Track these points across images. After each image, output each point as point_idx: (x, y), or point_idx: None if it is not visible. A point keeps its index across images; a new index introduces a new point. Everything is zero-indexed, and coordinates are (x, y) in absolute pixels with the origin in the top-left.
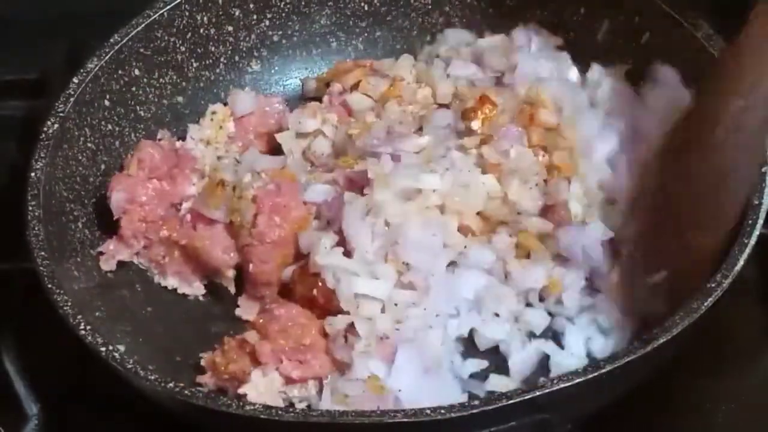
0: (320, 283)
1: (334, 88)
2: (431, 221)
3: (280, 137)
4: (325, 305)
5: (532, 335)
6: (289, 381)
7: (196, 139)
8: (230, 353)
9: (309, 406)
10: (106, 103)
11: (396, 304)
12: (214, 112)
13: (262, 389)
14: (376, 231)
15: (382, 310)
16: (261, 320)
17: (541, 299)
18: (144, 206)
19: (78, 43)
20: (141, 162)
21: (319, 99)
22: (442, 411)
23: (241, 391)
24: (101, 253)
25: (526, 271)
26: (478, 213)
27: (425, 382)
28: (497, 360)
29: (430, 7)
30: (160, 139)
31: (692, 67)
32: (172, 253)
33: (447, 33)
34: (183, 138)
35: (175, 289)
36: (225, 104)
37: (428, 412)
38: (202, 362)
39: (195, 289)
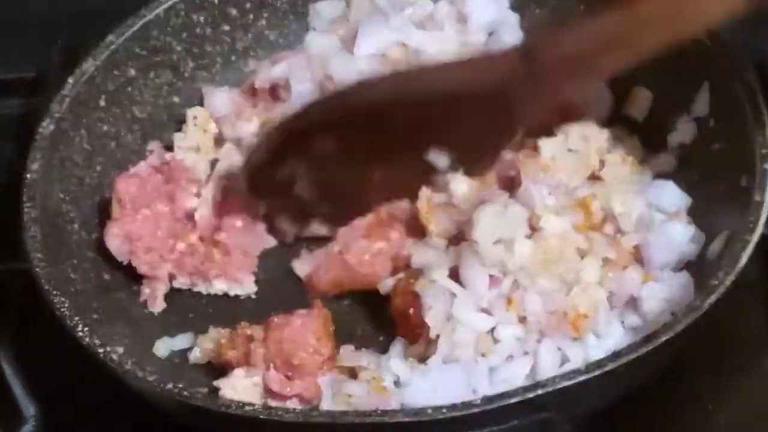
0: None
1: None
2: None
3: (221, 156)
4: (415, 327)
5: None
6: (269, 393)
7: (183, 147)
8: (237, 339)
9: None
10: (102, 103)
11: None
12: (195, 117)
13: (239, 389)
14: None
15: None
16: (273, 320)
17: None
18: (143, 238)
19: (75, 42)
20: (120, 201)
21: None
22: (444, 410)
23: (216, 383)
24: (145, 300)
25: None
26: None
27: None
28: None
29: None
30: (150, 151)
31: (690, 64)
32: (204, 257)
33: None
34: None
35: (173, 291)
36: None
37: (430, 411)
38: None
39: (246, 288)
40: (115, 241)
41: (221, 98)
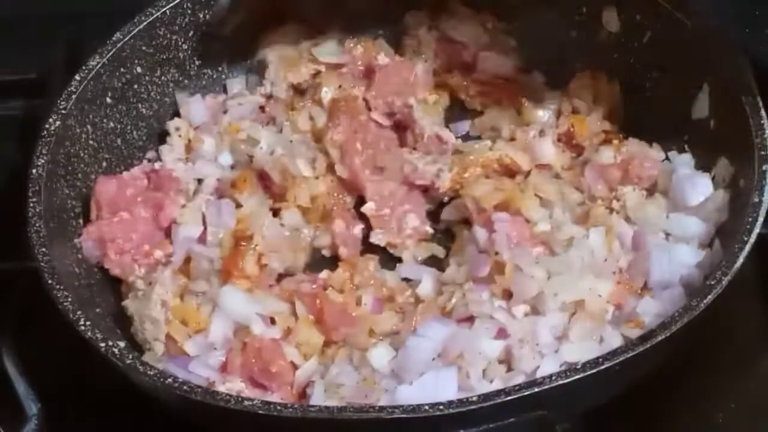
0: None
1: None
2: None
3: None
4: None
5: None
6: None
7: (171, 159)
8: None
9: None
10: (108, 100)
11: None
12: (177, 128)
13: None
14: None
15: None
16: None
17: None
18: (116, 240)
19: (78, 43)
20: (98, 203)
21: None
22: (441, 407)
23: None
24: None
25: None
26: None
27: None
28: None
29: None
30: (149, 160)
31: (694, 65)
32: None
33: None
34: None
35: None
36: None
37: (427, 408)
38: None
39: None
40: (88, 243)
41: (197, 107)
